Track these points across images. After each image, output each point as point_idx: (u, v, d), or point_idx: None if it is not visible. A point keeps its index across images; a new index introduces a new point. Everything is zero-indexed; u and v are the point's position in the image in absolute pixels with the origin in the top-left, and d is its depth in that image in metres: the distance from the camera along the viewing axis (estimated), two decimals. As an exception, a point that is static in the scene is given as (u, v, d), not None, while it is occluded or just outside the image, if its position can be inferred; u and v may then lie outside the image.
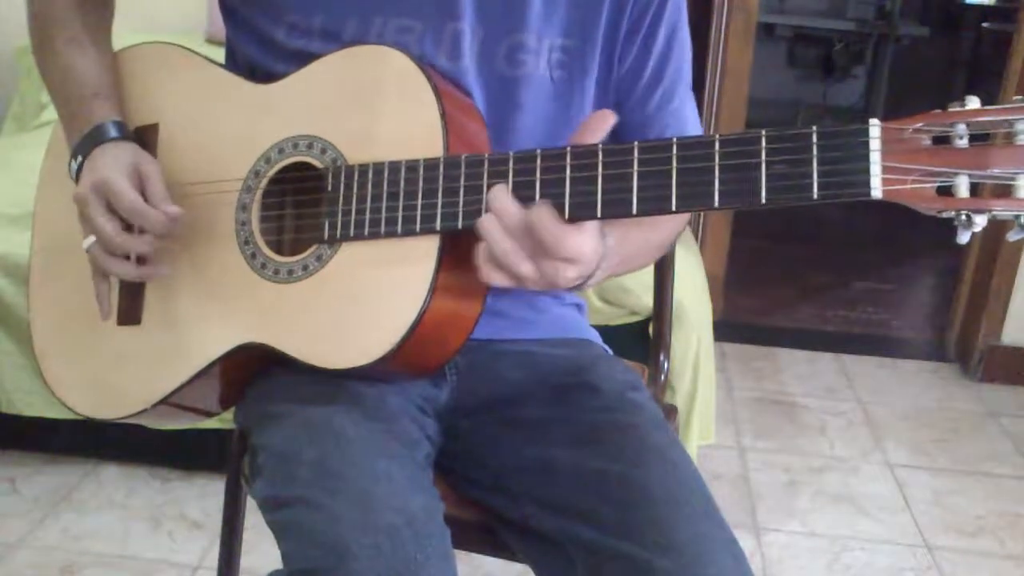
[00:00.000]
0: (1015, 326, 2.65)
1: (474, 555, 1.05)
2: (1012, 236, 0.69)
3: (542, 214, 0.76)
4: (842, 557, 1.85)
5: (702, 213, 2.70)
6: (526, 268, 0.77)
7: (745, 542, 0.77)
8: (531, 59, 0.93)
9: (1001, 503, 2.07)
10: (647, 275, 1.37)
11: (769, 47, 5.75)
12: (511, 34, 0.93)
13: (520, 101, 0.94)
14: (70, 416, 1.00)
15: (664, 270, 1.36)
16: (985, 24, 5.23)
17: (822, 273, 3.53)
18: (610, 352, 1.10)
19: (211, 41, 2.41)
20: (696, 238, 2.69)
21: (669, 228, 1.02)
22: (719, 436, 2.13)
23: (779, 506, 2.01)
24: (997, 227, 0.73)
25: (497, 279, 0.78)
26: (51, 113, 2.29)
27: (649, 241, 0.99)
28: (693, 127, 1.02)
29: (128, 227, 0.91)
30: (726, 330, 2.71)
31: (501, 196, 0.78)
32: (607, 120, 0.79)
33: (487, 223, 0.77)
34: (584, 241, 0.77)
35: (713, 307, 2.07)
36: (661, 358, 1.34)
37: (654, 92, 0.99)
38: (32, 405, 1.82)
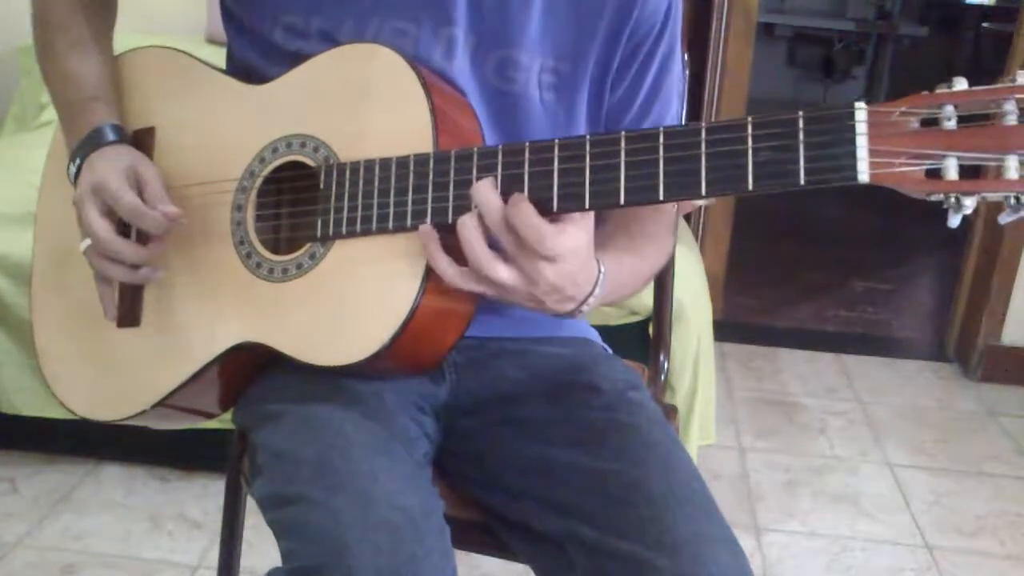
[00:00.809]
0: (1015, 326, 2.65)
1: (474, 555, 1.05)
2: (1004, 218, 0.68)
3: (522, 207, 0.75)
4: (842, 557, 1.85)
5: (702, 213, 2.70)
6: (503, 273, 0.76)
7: (745, 542, 0.77)
8: (521, 77, 0.93)
9: (1001, 503, 2.07)
10: (647, 275, 1.37)
11: (769, 47, 5.76)
12: (503, 48, 0.92)
13: (509, 118, 0.94)
14: (70, 416, 1.00)
15: (664, 270, 1.36)
16: (985, 24, 5.24)
17: (822, 273, 3.53)
18: (610, 351, 1.10)
19: (211, 41, 2.42)
20: (696, 238, 2.69)
21: (655, 260, 1.02)
22: (719, 436, 2.13)
23: (779, 506, 2.01)
24: (996, 227, 0.73)
25: (473, 286, 0.78)
26: (51, 113, 2.29)
27: (638, 271, 0.98)
28: None
29: (124, 231, 0.92)
30: (726, 330, 2.71)
31: (485, 190, 0.77)
32: None
33: (464, 222, 0.77)
34: (566, 238, 0.76)
35: (713, 307, 2.07)
36: (661, 358, 1.35)
37: (640, 125, 0.98)
38: (32, 405, 1.82)
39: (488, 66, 0.93)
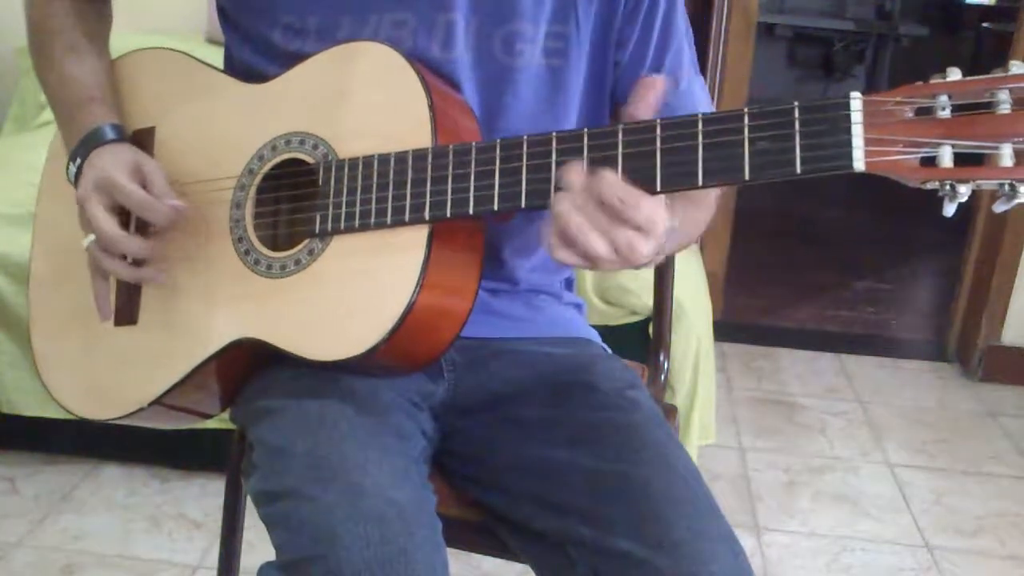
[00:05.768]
0: (1015, 326, 2.65)
1: (473, 555, 1.05)
2: (998, 206, 0.69)
3: (609, 178, 0.73)
4: (842, 557, 1.85)
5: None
6: (599, 244, 0.73)
7: (745, 542, 0.77)
8: (528, 48, 0.93)
9: (1001, 503, 2.07)
10: (647, 275, 1.37)
11: (769, 47, 5.76)
12: (506, 23, 0.93)
13: (514, 89, 0.94)
14: (70, 416, 1.00)
15: (664, 270, 1.36)
16: (985, 24, 5.24)
17: (822, 273, 3.53)
18: (610, 351, 1.10)
19: (211, 41, 2.42)
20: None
21: (708, 204, 1.00)
22: (719, 436, 2.13)
23: (779, 506, 2.01)
24: (996, 227, 0.73)
25: (566, 257, 0.75)
26: (51, 113, 2.29)
27: (697, 220, 0.98)
28: (704, 107, 1.00)
29: (127, 227, 0.91)
30: (726, 330, 2.71)
31: (571, 170, 0.75)
32: (655, 86, 0.76)
33: (558, 197, 0.75)
34: (656, 207, 0.74)
35: (713, 307, 2.07)
36: (661, 358, 1.34)
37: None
38: (32, 405, 1.82)
39: (495, 45, 0.93)
